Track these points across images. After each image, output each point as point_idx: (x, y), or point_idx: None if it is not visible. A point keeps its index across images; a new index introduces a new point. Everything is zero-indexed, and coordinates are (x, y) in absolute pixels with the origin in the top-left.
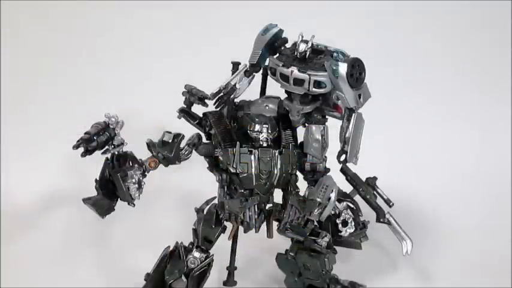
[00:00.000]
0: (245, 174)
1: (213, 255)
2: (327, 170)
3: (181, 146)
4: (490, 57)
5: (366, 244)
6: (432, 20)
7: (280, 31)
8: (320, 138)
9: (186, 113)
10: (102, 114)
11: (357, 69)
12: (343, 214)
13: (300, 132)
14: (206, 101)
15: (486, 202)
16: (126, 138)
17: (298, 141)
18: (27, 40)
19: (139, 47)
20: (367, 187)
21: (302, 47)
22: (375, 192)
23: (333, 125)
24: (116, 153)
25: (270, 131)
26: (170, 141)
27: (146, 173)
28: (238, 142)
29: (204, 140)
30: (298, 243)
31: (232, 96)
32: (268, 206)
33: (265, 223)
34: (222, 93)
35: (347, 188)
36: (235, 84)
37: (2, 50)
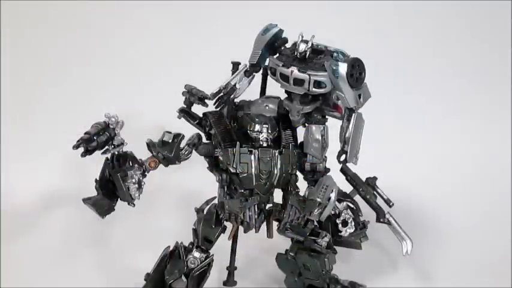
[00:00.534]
0: (245, 174)
1: (213, 255)
2: (327, 170)
3: (181, 146)
4: (491, 57)
5: (366, 244)
6: (432, 20)
7: (280, 31)
8: (320, 138)
9: (186, 113)
10: (102, 114)
11: (357, 69)
12: (343, 214)
13: (300, 132)
14: (206, 101)
15: (486, 202)
16: (126, 138)
17: (298, 141)
18: (28, 40)
19: (140, 47)
20: (367, 187)
21: (302, 47)
22: (374, 192)
23: (333, 125)
24: (116, 153)
25: (270, 131)
26: (170, 141)
27: (146, 173)
28: (238, 142)
29: (204, 140)
30: (298, 243)
31: (232, 96)
32: (268, 206)
33: (265, 223)
34: (222, 93)
35: (347, 188)
36: (235, 84)
37: (2, 50)
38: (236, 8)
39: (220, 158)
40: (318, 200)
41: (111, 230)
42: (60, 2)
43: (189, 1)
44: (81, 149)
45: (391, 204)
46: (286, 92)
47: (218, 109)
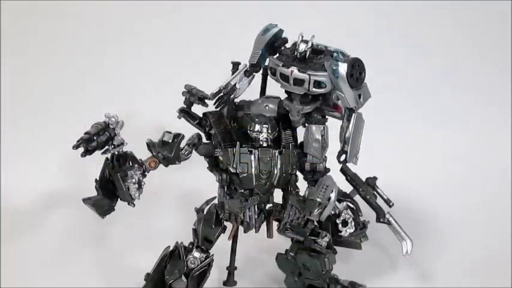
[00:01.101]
0: (245, 174)
1: (213, 255)
2: (327, 170)
3: (181, 146)
4: (491, 56)
5: (366, 244)
6: (432, 20)
7: (280, 31)
8: (320, 138)
9: (186, 113)
10: (102, 114)
11: (357, 69)
12: (343, 214)
13: (300, 132)
14: (206, 101)
15: (486, 202)
16: (126, 138)
17: (298, 141)
18: (27, 40)
19: (140, 47)
20: (367, 187)
21: (302, 47)
22: (375, 192)
23: (333, 125)
24: (116, 153)
25: (270, 131)
26: (170, 141)
27: (146, 173)
28: (238, 142)
29: (204, 140)
30: (298, 243)
31: (232, 96)
32: (268, 206)
33: (265, 223)
34: (222, 93)
35: (347, 188)
36: (235, 84)
37: (2, 50)
38: (236, 8)
39: (220, 158)
40: (318, 200)
41: (111, 230)
42: (60, 2)
43: (189, 1)
44: (81, 149)
45: (391, 204)
46: (286, 92)
47: (218, 109)
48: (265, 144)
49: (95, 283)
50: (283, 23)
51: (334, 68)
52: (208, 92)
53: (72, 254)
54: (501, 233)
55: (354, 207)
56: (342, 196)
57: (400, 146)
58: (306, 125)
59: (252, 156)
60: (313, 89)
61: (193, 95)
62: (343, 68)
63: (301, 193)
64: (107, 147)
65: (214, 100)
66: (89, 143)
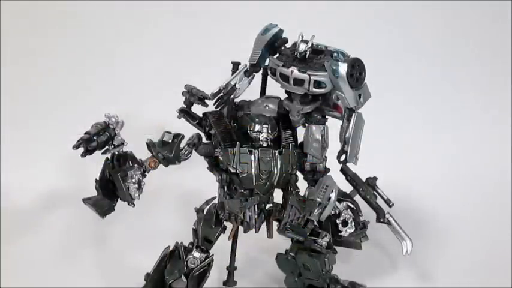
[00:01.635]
0: (245, 174)
1: (213, 255)
2: (327, 170)
3: (181, 146)
4: (491, 56)
5: (366, 244)
6: (433, 20)
7: (280, 31)
8: (320, 138)
9: (186, 113)
10: (102, 114)
11: (357, 69)
12: (343, 214)
13: (300, 132)
14: (206, 101)
15: (486, 202)
16: (126, 138)
17: (298, 141)
18: (27, 40)
19: (140, 47)
20: (367, 187)
21: (302, 47)
22: (375, 192)
23: (333, 125)
24: (116, 153)
25: (270, 131)
26: (170, 141)
27: (146, 173)
28: (238, 142)
29: (204, 140)
30: (298, 243)
31: (232, 96)
32: (268, 206)
33: (265, 223)
34: (222, 93)
35: (347, 188)
36: (235, 84)
37: (2, 50)
38: (236, 8)
39: (220, 158)
40: (318, 200)
41: (111, 230)
42: (60, 2)
43: (190, 1)
44: (81, 149)
45: (391, 204)
46: (286, 92)
47: (218, 109)
48: (265, 144)
49: (95, 283)
50: (283, 23)
51: (334, 68)
52: (208, 92)
53: (72, 254)
54: (501, 233)
55: (354, 207)
56: (342, 196)
57: (400, 146)
58: (306, 125)
59: (252, 156)
60: (313, 89)
61: (193, 95)
62: (343, 68)
63: (301, 193)
64: (107, 147)
65: (214, 100)
66: (89, 143)
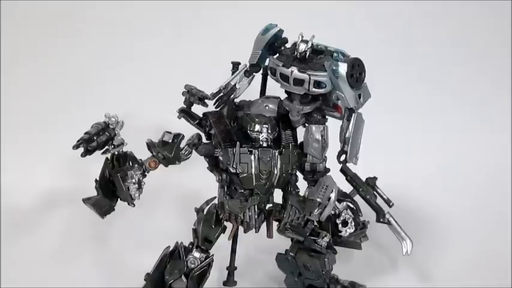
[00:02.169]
0: (245, 174)
1: (213, 255)
2: (327, 170)
3: (181, 146)
4: (491, 55)
5: (366, 244)
6: (433, 20)
7: (280, 31)
8: (320, 138)
9: (186, 113)
10: (102, 114)
11: (357, 70)
12: (343, 214)
13: (300, 132)
14: (206, 101)
15: (486, 202)
16: (126, 138)
17: (298, 141)
18: (27, 40)
19: (140, 48)
20: (367, 187)
21: (302, 47)
22: (375, 192)
23: (333, 125)
24: (116, 153)
25: (270, 131)
26: (170, 141)
27: (146, 173)
28: (238, 142)
29: (204, 140)
30: (298, 243)
31: (232, 96)
32: (268, 206)
33: (265, 223)
34: (222, 93)
35: (347, 188)
36: (235, 85)
37: (2, 50)
38: (236, 8)
39: (220, 158)
40: (318, 200)
41: (111, 230)
42: (60, 2)
43: (190, 1)
44: (81, 149)
45: (391, 204)
46: (286, 92)
47: (218, 109)
48: (265, 144)
49: (95, 283)
50: (283, 23)
51: (334, 68)
52: (208, 92)
53: (72, 254)
54: (501, 233)
55: (354, 207)
56: (342, 196)
57: (400, 146)
58: (306, 125)
59: (252, 156)
60: (313, 89)
61: (193, 95)
62: (343, 68)
63: (301, 193)
64: (107, 147)
65: (214, 100)
66: (89, 143)
